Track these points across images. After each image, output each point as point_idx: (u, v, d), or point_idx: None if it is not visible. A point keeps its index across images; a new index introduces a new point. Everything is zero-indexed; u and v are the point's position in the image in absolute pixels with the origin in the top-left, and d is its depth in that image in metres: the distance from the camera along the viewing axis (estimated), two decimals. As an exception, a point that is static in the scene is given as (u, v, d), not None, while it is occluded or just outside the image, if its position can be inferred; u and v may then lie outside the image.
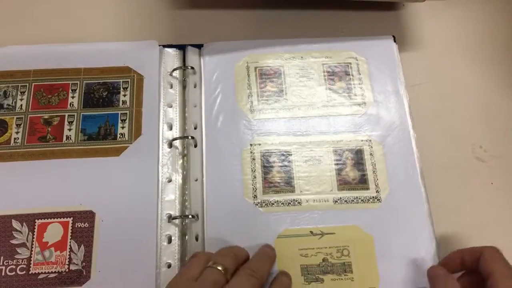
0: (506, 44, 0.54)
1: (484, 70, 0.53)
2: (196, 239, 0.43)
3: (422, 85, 0.52)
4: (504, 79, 0.52)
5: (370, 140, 0.46)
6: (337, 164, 0.45)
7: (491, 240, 0.40)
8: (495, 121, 0.50)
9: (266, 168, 0.45)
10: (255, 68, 0.50)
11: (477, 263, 0.37)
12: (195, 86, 0.49)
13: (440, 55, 0.54)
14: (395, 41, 0.51)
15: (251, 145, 0.46)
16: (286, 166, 0.45)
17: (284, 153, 0.46)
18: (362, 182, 0.45)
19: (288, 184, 0.45)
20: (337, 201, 0.44)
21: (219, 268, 0.35)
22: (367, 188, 0.45)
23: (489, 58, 0.54)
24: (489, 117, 0.50)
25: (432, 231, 0.43)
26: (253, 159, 0.46)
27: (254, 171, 0.45)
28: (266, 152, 0.46)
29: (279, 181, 0.45)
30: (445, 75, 0.53)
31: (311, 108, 0.48)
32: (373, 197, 0.44)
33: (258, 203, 0.44)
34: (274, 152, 0.46)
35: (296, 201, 0.44)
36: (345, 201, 0.44)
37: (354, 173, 0.45)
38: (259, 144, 0.46)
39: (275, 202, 0.44)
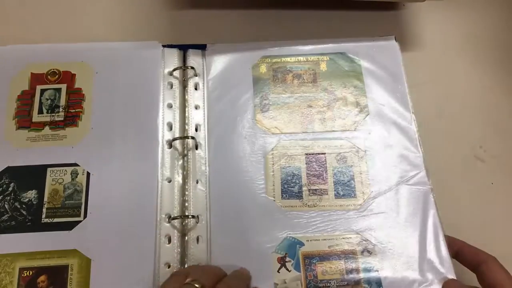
0: (506, 44, 0.54)
1: (484, 70, 0.53)
2: (197, 241, 0.42)
3: (422, 85, 0.52)
4: (504, 79, 0.52)
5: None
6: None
7: (491, 241, 0.40)
8: (495, 121, 0.50)
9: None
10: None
11: (475, 267, 0.38)
12: (196, 88, 0.49)
13: (440, 55, 0.54)
14: (396, 41, 0.51)
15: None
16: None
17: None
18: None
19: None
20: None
21: (197, 285, 0.35)
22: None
23: (489, 58, 0.54)
24: (489, 117, 0.51)
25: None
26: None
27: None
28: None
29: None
30: (445, 75, 0.53)
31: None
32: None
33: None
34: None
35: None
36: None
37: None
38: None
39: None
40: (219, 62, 0.50)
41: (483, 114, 0.51)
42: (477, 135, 0.50)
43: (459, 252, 0.40)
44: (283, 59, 0.50)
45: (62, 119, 0.47)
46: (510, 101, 0.51)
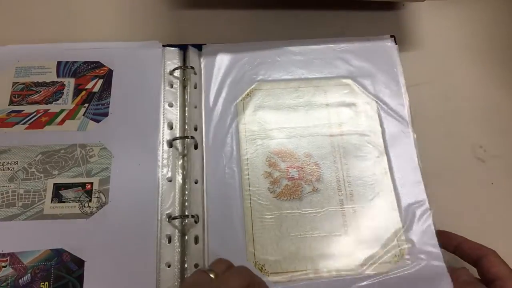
0: (506, 44, 0.55)
1: (484, 70, 0.53)
2: (196, 241, 0.43)
3: (422, 85, 0.52)
4: (504, 79, 0.53)
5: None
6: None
7: (490, 240, 0.40)
8: (495, 121, 0.50)
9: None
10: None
11: (475, 261, 0.39)
12: (195, 87, 0.49)
13: (440, 55, 0.54)
14: (395, 42, 0.51)
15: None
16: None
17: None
18: None
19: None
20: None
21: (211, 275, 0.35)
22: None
23: (489, 57, 0.54)
24: (489, 117, 0.51)
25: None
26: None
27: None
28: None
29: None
30: (445, 75, 0.53)
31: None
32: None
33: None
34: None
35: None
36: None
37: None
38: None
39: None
40: (215, 62, 0.50)
41: (483, 114, 0.51)
42: (477, 135, 0.50)
43: (459, 247, 0.40)
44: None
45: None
46: (510, 101, 0.51)
